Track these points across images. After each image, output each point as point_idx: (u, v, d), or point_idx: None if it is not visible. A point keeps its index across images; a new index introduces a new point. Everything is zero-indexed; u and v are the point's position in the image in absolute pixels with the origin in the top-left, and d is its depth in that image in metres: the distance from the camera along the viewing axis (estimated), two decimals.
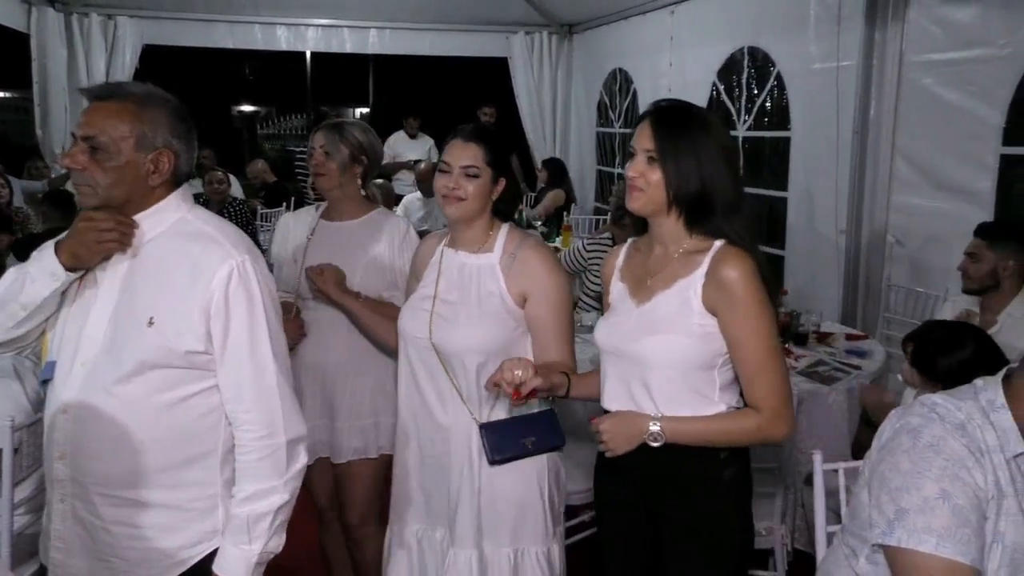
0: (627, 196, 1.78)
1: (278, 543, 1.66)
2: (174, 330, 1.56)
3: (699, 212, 1.73)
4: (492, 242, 2.04)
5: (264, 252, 1.88)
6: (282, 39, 7.75)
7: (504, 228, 2.07)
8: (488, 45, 8.08)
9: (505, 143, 2.08)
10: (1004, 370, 1.63)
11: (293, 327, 2.41)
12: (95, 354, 1.58)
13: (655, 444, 1.72)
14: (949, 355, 2.39)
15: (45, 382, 1.68)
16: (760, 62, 5.32)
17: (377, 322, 2.31)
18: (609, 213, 6.60)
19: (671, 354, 1.73)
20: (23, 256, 3.58)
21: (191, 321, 1.57)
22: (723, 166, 1.70)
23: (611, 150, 7.55)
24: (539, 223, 6.52)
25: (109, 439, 1.57)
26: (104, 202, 1.59)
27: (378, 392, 2.45)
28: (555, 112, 8.23)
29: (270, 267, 2.59)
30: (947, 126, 3.89)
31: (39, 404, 2.20)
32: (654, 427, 1.72)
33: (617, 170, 7.38)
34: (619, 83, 7.28)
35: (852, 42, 4.27)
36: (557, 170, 7.06)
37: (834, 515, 2.06)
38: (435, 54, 8.16)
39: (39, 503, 2.12)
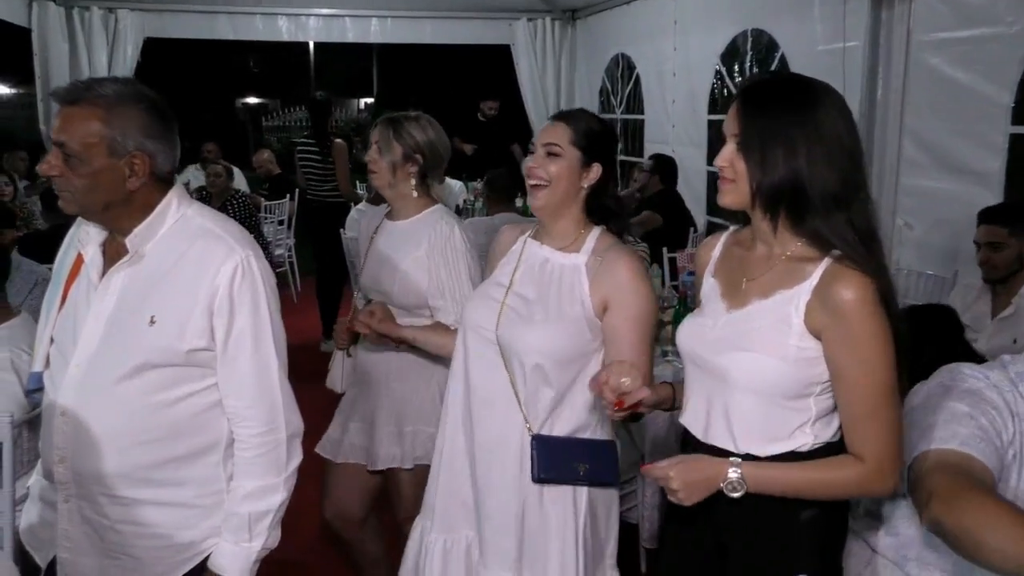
0: (719, 188, 1.52)
1: (275, 539, 1.67)
2: (177, 328, 1.55)
3: (792, 209, 1.44)
4: (581, 242, 1.85)
5: (268, 245, 1.84)
6: (283, 30, 7.69)
7: (597, 230, 1.88)
8: (491, 32, 8.01)
9: (601, 127, 1.87)
10: None
11: (348, 327, 2.38)
12: (89, 355, 1.56)
13: (734, 495, 1.44)
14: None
15: (31, 392, 1.67)
16: (764, 45, 5.26)
17: (440, 345, 2.16)
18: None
19: (758, 377, 1.46)
20: (29, 252, 3.57)
21: (194, 318, 1.56)
22: (827, 152, 1.41)
23: None
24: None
25: (108, 439, 1.56)
26: (82, 208, 1.58)
27: (426, 400, 2.36)
28: (559, 99, 8.16)
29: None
30: (956, 106, 3.83)
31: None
32: (733, 474, 1.43)
33: (620, 157, 7.33)
34: (621, 69, 7.22)
35: (858, 22, 4.19)
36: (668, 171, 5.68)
37: None
38: (438, 42, 8.11)
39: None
